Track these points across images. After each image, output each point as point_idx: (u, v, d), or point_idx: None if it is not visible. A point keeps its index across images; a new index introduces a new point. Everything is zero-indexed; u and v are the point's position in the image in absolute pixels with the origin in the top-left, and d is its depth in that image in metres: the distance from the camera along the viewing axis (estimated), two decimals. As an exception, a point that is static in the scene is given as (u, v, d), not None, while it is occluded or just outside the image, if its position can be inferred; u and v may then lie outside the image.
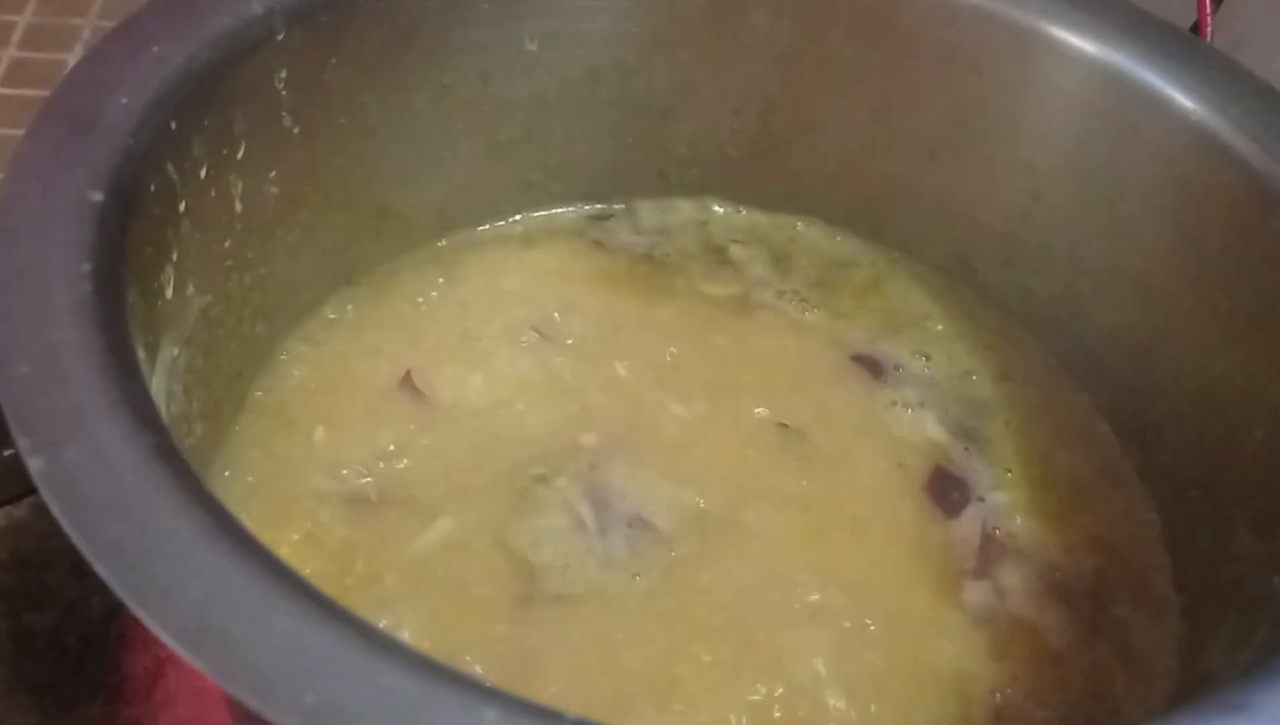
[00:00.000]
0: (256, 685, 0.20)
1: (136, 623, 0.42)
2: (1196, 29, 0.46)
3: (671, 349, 0.44)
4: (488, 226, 0.48)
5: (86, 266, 0.27)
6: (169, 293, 0.33)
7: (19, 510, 0.46)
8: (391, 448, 0.40)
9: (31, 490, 0.46)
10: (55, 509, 0.22)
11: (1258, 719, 0.24)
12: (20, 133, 0.56)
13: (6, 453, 0.45)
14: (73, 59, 0.66)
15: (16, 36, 0.68)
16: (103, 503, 0.22)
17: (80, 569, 0.46)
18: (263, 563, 0.22)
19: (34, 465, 0.23)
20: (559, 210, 0.49)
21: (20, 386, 0.24)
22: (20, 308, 0.26)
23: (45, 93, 0.59)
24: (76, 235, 0.27)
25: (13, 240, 0.27)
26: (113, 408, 0.24)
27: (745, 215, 0.50)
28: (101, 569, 0.21)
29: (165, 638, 0.21)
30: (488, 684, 0.21)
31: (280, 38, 0.36)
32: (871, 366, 0.45)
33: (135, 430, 0.24)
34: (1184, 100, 0.39)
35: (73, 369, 0.24)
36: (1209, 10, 0.46)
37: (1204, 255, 0.39)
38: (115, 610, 0.43)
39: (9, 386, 0.24)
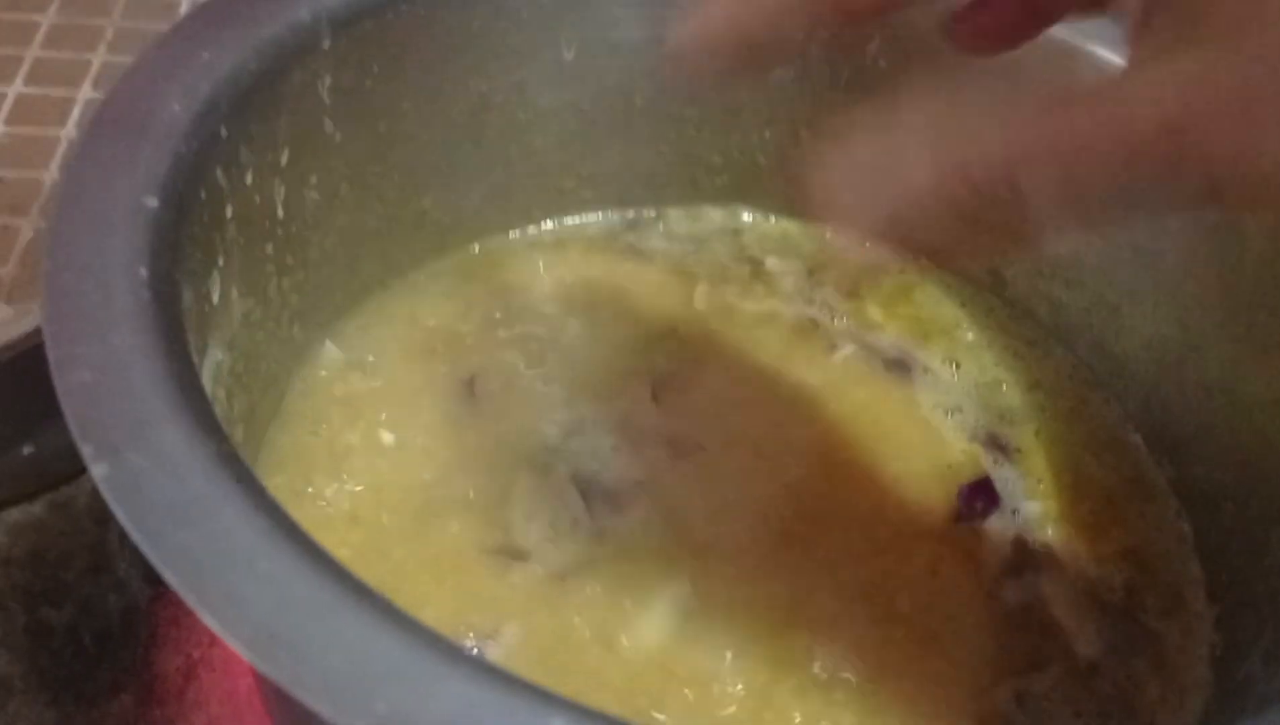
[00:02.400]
0: (328, 692, 0.20)
1: (169, 621, 0.43)
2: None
3: (710, 357, 0.44)
4: (519, 233, 0.48)
5: (144, 272, 0.27)
6: (215, 298, 0.33)
7: (36, 507, 0.46)
8: (424, 451, 0.40)
9: (48, 487, 0.47)
10: (120, 515, 0.22)
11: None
12: (43, 132, 0.57)
13: (24, 450, 0.45)
14: (96, 59, 0.66)
15: (40, 36, 0.69)
16: (168, 509, 0.23)
17: (96, 565, 0.46)
18: (328, 570, 0.22)
19: (98, 472, 0.23)
20: (590, 217, 0.49)
21: (81, 393, 0.24)
22: (79, 313, 0.26)
23: (67, 92, 0.60)
24: (134, 240, 0.27)
25: (71, 244, 0.27)
26: (174, 413, 0.24)
27: (775, 223, 0.50)
28: (169, 576, 0.21)
29: (235, 645, 0.21)
30: (553, 693, 0.21)
31: (326, 45, 0.36)
32: (900, 369, 0.45)
33: (197, 435, 0.24)
34: (1221, 113, 0.39)
35: (134, 375, 0.25)
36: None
37: (1239, 267, 0.39)
38: (132, 607, 0.43)
39: (70, 393, 0.24)
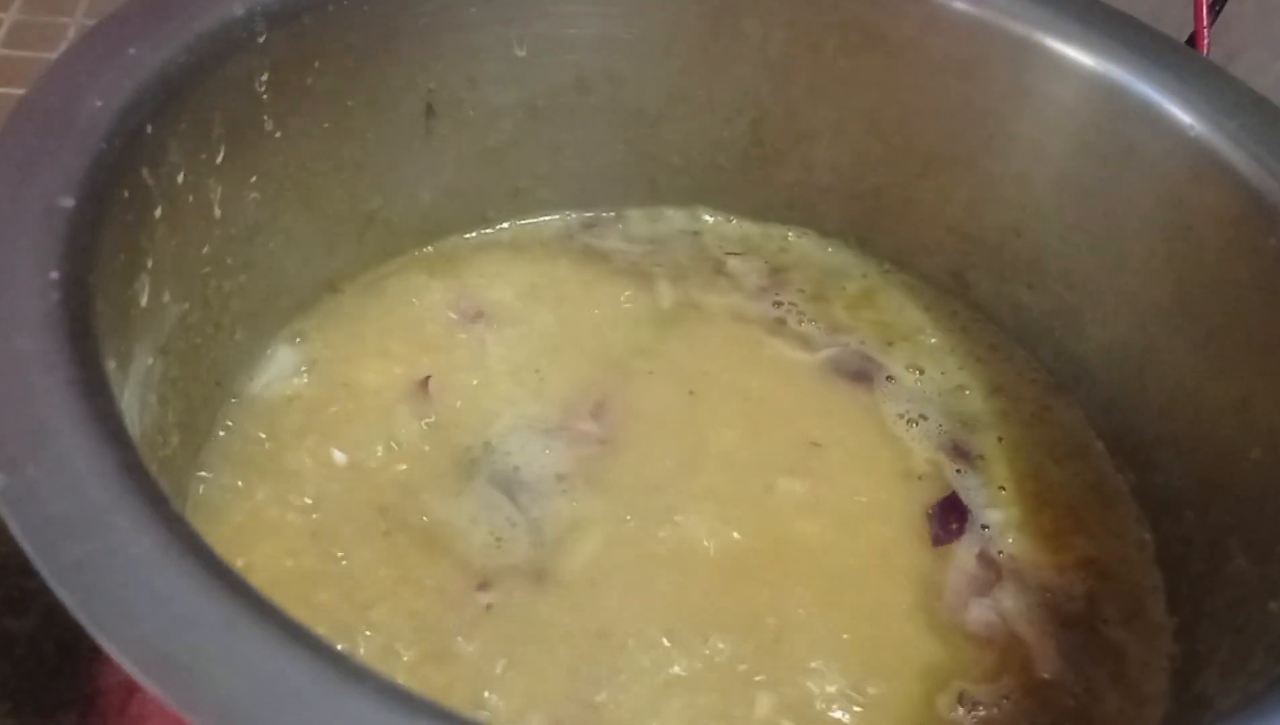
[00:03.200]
0: (222, 717, 0.19)
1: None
2: (1193, 41, 0.45)
3: (672, 357, 0.43)
4: (474, 234, 0.47)
5: (55, 275, 0.26)
6: (144, 300, 0.32)
7: (-4, 515, 0.45)
8: (379, 454, 0.39)
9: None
10: (15, 528, 0.21)
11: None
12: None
13: None
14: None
15: (1, 34, 0.67)
16: (65, 522, 0.22)
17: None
18: (229, 587, 0.21)
19: (-6, 482, 0.22)
20: (547, 217, 0.48)
21: (-18, 400, 0.23)
22: (-15, 317, 0.25)
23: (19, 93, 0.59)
24: (45, 242, 0.26)
25: (-21, 246, 0.26)
26: (77, 423, 0.23)
27: (736, 225, 0.49)
28: (62, 592, 0.21)
29: (126, 665, 0.20)
30: (458, 713, 0.20)
31: (261, 40, 0.35)
32: (862, 378, 0.44)
33: (100, 446, 0.23)
34: (1181, 115, 0.38)
35: (37, 382, 0.24)
36: (1206, 23, 0.45)
37: (1199, 271, 0.39)
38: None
39: (-30, 400, 0.23)
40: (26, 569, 0.43)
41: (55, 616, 0.42)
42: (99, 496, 0.22)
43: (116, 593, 0.21)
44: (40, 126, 0.29)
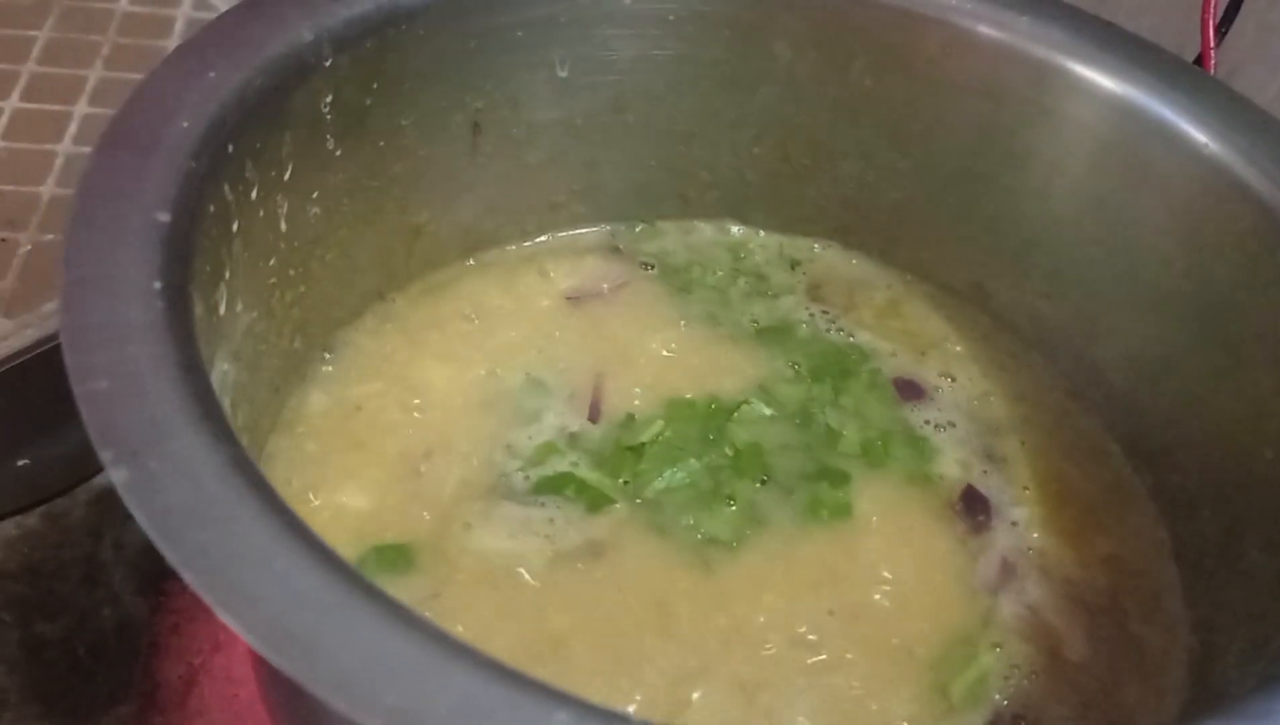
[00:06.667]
0: (342, 687, 0.21)
1: (170, 630, 0.43)
2: (1200, 60, 0.47)
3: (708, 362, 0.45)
4: (514, 246, 0.49)
5: (157, 284, 0.28)
6: (222, 310, 0.34)
7: (30, 520, 0.46)
8: (422, 469, 0.41)
9: (42, 500, 0.47)
10: (140, 518, 0.23)
11: (1281, 726, 0.25)
12: (39, 147, 0.57)
13: (19, 463, 0.46)
14: (92, 75, 0.67)
15: (36, 51, 0.69)
16: (186, 511, 0.23)
17: (91, 578, 0.46)
18: (339, 571, 0.23)
19: (118, 476, 0.24)
20: (583, 230, 0.50)
21: (100, 401, 0.25)
22: (96, 324, 0.27)
23: (62, 107, 0.60)
24: (146, 253, 0.28)
25: (85, 259, 0.28)
26: (190, 420, 0.25)
27: (763, 237, 0.51)
28: (188, 575, 0.22)
29: (251, 640, 0.22)
30: (559, 688, 0.22)
31: (328, 64, 0.37)
32: (912, 390, 0.46)
33: (213, 441, 0.25)
34: (1195, 133, 0.40)
35: (150, 383, 0.25)
36: (1213, 44, 0.47)
37: (1212, 282, 0.40)
38: (126, 618, 0.44)
39: (89, 401, 0.25)
40: (59, 574, 0.45)
41: (86, 620, 0.44)
42: (215, 488, 0.24)
43: (238, 576, 0.23)
44: (133, 146, 0.31)
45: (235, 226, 0.34)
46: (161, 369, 0.26)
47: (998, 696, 0.36)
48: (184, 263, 0.29)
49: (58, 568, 0.45)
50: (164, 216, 0.29)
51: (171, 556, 0.23)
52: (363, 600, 0.23)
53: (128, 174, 0.30)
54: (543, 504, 0.40)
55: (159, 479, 0.24)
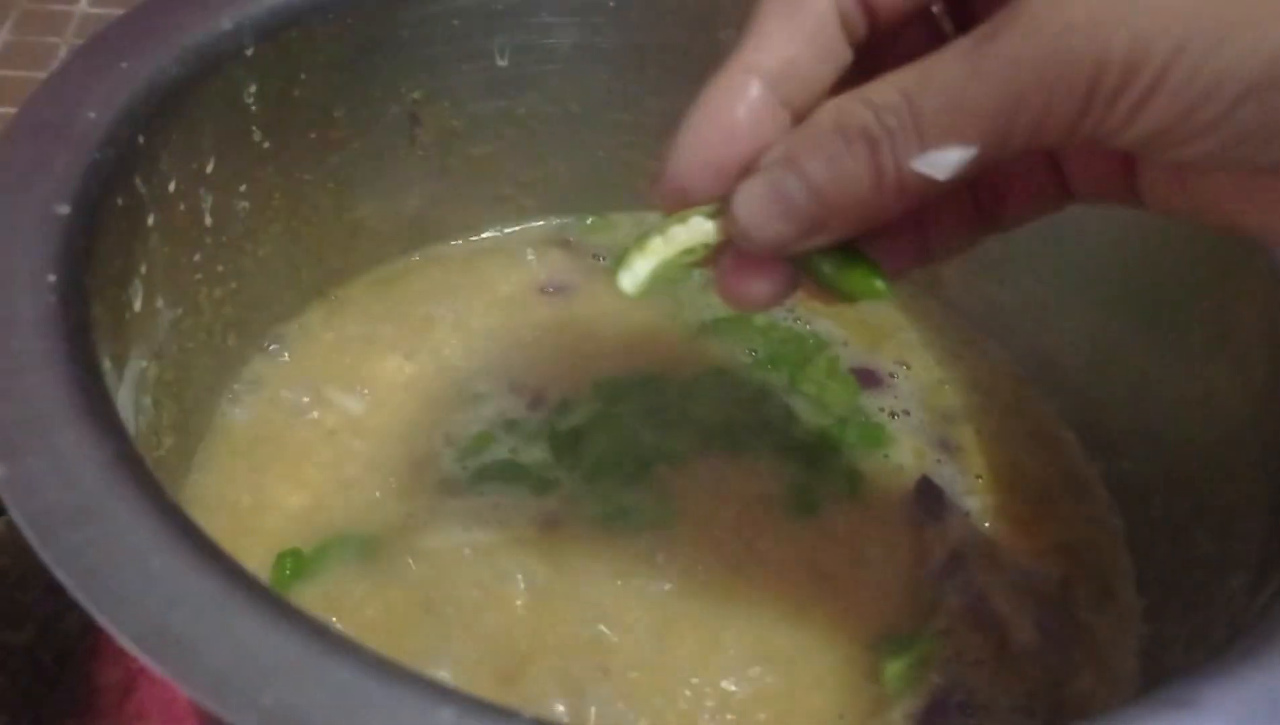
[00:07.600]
0: (215, 687, 0.20)
1: (109, 635, 0.43)
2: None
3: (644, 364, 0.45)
4: (460, 241, 0.48)
5: (51, 278, 0.27)
6: (137, 305, 0.33)
7: (-8, 527, 0.46)
8: (363, 464, 0.40)
9: (4, 509, 0.47)
10: (16, 516, 0.23)
11: (1204, 714, 0.24)
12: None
13: None
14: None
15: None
16: (63, 510, 0.23)
17: (56, 585, 0.46)
18: (220, 567, 0.22)
19: (-3, 473, 0.23)
20: (532, 223, 0.49)
21: (-18, 396, 0.24)
22: (-17, 318, 0.26)
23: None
24: (43, 246, 0.28)
25: (-22, 252, 0.27)
26: (74, 416, 0.24)
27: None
28: (62, 575, 0.22)
29: (124, 642, 0.21)
30: (444, 684, 0.21)
31: (249, 53, 0.36)
32: (869, 378, 0.45)
33: (96, 437, 0.24)
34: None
35: (35, 378, 0.25)
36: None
37: (1158, 270, 0.40)
38: (90, 625, 0.43)
39: (-29, 396, 0.24)
40: (22, 583, 0.44)
41: (52, 629, 0.43)
42: (95, 485, 0.23)
43: (113, 574, 0.22)
44: (36, 137, 0.30)
45: (150, 220, 0.33)
46: (49, 364, 0.25)
47: (938, 681, 0.35)
48: (84, 256, 0.28)
49: (22, 575, 0.45)
50: (64, 209, 0.29)
51: (46, 556, 0.22)
52: (242, 598, 0.22)
53: (29, 166, 0.29)
54: (482, 493, 0.39)
55: (38, 477, 0.23)
